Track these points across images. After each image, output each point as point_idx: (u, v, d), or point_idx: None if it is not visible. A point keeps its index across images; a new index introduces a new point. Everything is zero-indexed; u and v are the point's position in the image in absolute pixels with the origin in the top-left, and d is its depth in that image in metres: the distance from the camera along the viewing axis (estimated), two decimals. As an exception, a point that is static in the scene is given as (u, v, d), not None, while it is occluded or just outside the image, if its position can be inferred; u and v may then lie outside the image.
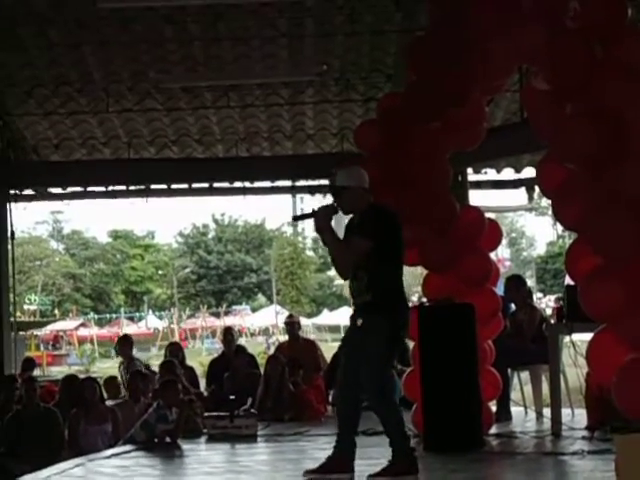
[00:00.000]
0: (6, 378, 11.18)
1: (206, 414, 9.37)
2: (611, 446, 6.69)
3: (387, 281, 6.22)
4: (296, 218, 6.71)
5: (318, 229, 6.26)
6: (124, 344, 12.34)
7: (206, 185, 13.97)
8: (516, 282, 10.06)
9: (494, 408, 8.88)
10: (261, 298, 65.94)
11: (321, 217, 6.24)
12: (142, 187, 13.88)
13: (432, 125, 8.06)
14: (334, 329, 41.24)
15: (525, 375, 10.06)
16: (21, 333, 26.39)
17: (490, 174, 13.64)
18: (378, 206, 6.40)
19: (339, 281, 54.63)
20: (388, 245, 6.22)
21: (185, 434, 8.73)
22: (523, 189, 13.94)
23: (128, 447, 8.34)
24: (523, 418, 9.52)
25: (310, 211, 6.34)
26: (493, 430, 8.32)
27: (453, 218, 8.13)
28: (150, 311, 57.81)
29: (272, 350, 16.07)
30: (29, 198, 14.03)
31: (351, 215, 6.45)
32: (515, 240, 68.79)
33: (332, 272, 65.48)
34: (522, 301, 9.74)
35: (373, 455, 7.09)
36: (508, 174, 13.61)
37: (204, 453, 8.08)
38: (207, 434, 8.94)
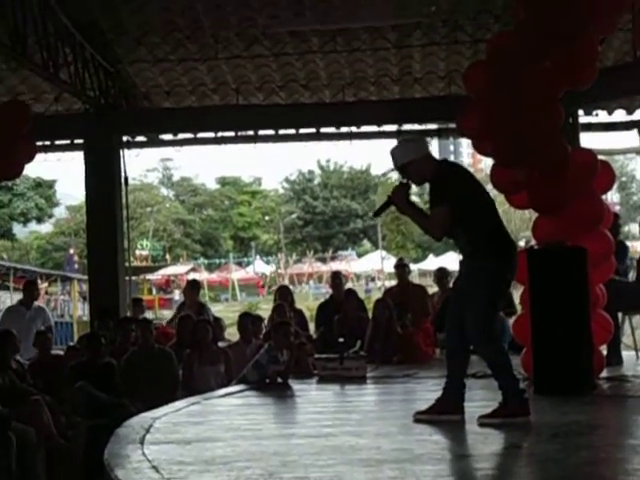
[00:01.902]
0: (122, 320, 11.50)
1: (316, 356, 9.50)
2: None
3: (484, 230, 6.19)
4: (377, 213, 6.69)
5: (401, 212, 6.30)
6: (192, 289, 12.56)
7: (313, 130, 14.00)
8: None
9: (605, 352, 8.78)
10: (366, 244, 66.09)
11: (398, 200, 6.25)
12: (250, 133, 14.01)
13: (543, 65, 7.91)
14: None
15: (637, 319, 9.91)
16: (134, 278, 27.08)
17: (601, 116, 13.36)
18: (442, 167, 6.34)
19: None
20: (468, 199, 6.18)
21: (296, 375, 8.88)
22: (635, 131, 13.63)
23: (241, 387, 8.52)
24: (634, 362, 9.42)
25: (386, 200, 6.35)
26: (604, 374, 8.24)
27: (565, 160, 8.00)
28: (258, 256, 58.50)
29: (373, 295, 16.13)
30: (141, 145, 14.30)
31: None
32: (625, 184, 67.19)
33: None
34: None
35: (484, 397, 7.12)
36: (620, 116, 13.32)
37: (314, 393, 8.21)
38: (317, 375, 9.07)
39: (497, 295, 6.28)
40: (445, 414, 6.18)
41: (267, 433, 5.97)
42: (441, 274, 12.42)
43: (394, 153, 6.34)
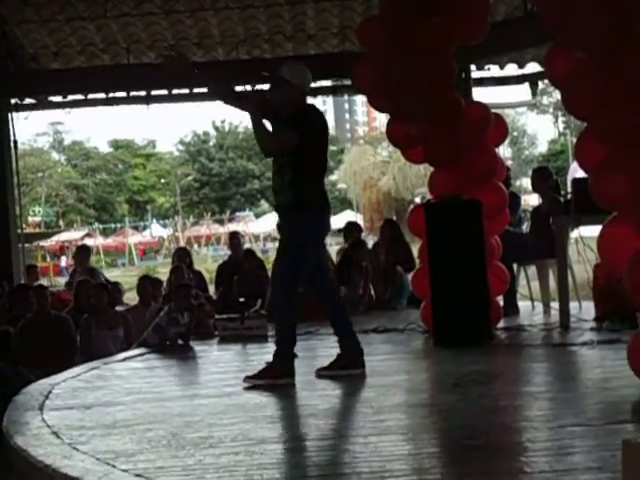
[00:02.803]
0: (18, 287, 11.24)
1: (217, 317, 9.45)
2: (620, 336, 6.81)
3: (310, 181, 6.17)
4: (226, 100, 6.53)
5: (251, 113, 6.13)
6: (82, 254, 12.48)
7: (206, 90, 13.80)
8: (543, 173, 9.94)
9: (502, 303, 8.94)
10: (264, 204, 66.01)
11: (254, 107, 6.16)
12: (142, 93, 13.75)
13: (435, 19, 7.94)
14: (335, 233, 41.31)
15: (532, 270, 10.10)
16: (27, 245, 26.57)
17: (493, 70, 13.49)
18: (311, 107, 6.37)
19: (342, 185, 54.65)
20: (315, 146, 6.19)
21: (197, 336, 8.82)
22: (526, 85, 13.80)
23: (141, 350, 8.43)
24: (530, 312, 9.60)
25: (240, 94, 6.31)
26: (501, 324, 8.40)
27: (459, 114, 8.06)
28: (154, 220, 57.95)
29: (271, 255, 16.10)
30: (30, 107, 13.89)
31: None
32: (516, 139, 68.45)
33: (334, 176, 65.45)
34: (547, 192, 9.39)
35: (385, 351, 7.20)
36: (511, 70, 13.46)
37: (216, 354, 8.17)
38: (218, 336, 9.03)
39: (305, 251, 6.18)
40: (346, 369, 6.21)
41: (169, 395, 5.91)
42: (350, 227, 12.47)
43: (288, 66, 6.30)
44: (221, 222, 53.75)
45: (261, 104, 6.22)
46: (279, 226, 6.46)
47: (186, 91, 13.73)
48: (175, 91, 13.70)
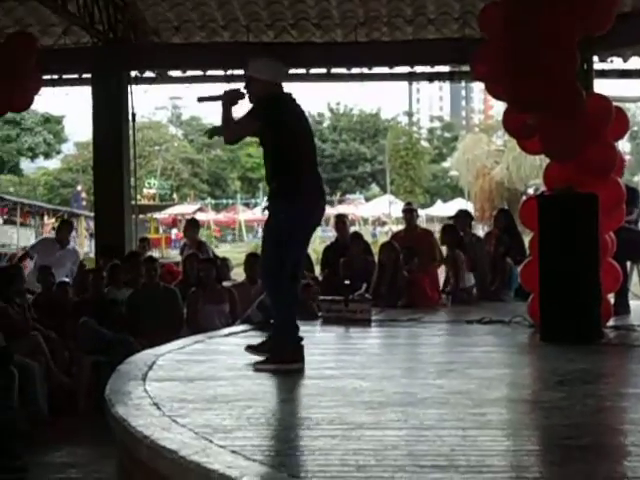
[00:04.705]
0: (131, 254, 11.42)
1: (321, 298, 9.46)
2: None
3: (289, 169, 6.08)
4: (201, 99, 6.51)
5: (223, 109, 6.17)
6: (191, 228, 12.58)
7: (323, 71, 13.82)
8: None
9: (613, 301, 8.72)
10: (375, 188, 65.96)
11: (227, 100, 6.17)
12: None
13: (560, 8, 7.74)
14: (446, 220, 41.04)
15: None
16: (141, 216, 27.07)
17: (616, 63, 13.16)
18: (278, 96, 6.24)
19: (454, 172, 54.22)
20: (283, 131, 6.07)
21: (300, 316, 8.82)
22: (649, 79, 13.45)
23: (245, 327, 8.49)
24: (642, 311, 9.35)
25: (219, 94, 6.25)
26: (611, 323, 8.19)
27: (579, 105, 7.86)
28: (265, 198, 58.41)
29: (380, 239, 16.08)
30: (149, 81, 14.14)
31: None
32: (636, 134, 66.72)
33: (447, 163, 64.99)
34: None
35: (489, 343, 7.09)
36: (634, 63, 13.12)
37: (319, 335, 8.17)
38: (322, 317, 9.04)
39: (287, 237, 6.06)
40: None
41: (269, 374, 5.92)
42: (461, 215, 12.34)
43: (253, 62, 6.27)
44: (331, 204, 53.85)
45: (232, 98, 6.20)
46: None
47: (302, 71, 13.75)
48: (292, 71, 13.72)
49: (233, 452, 3.75)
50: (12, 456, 7.32)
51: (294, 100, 6.31)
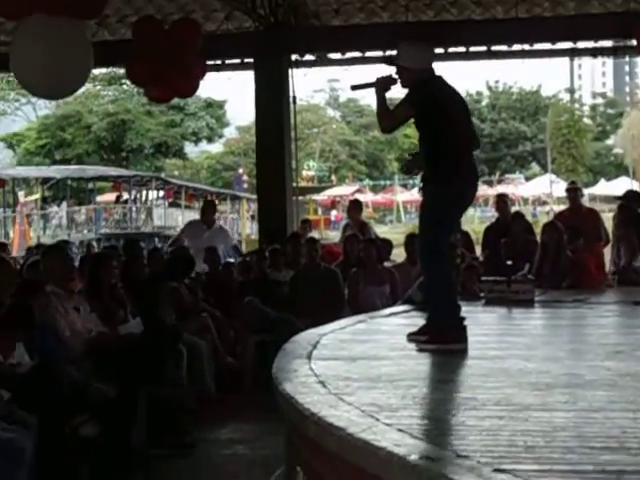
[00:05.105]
0: (293, 235, 11.63)
1: (483, 278, 9.38)
2: None
3: (446, 152, 5.98)
4: (355, 87, 6.41)
5: (376, 97, 6.14)
6: (354, 208, 12.62)
7: (484, 49, 13.65)
8: None
9: None
10: (535, 167, 64.83)
11: (380, 86, 6.11)
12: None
13: None
14: (610, 199, 40.02)
15: None
16: (301, 198, 27.40)
17: None
18: (433, 78, 6.14)
19: (618, 150, 52.72)
20: (437, 115, 5.96)
21: (462, 296, 8.79)
22: None
23: (406, 307, 8.50)
24: None
25: (371, 82, 6.17)
26: None
27: None
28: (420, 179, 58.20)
29: (541, 219, 15.79)
30: (309, 64, 14.28)
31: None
32: None
33: (610, 141, 63.25)
34: None
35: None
36: None
37: (482, 316, 8.10)
38: (484, 298, 8.96)
39: (445, 217, 6.10)
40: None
41: (432, 354, 5.91)
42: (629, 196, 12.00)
43: (401, 49, 6.19)
44: (490, 184, 53.25)
45: (385, 84, 6.15)
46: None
47: (462, 50, 13.62)
48: (451, 49, 13.63)
49: (400, 430, 3.77)
50: (181, 432, 7.59)
51: (446, 82, 6.26)
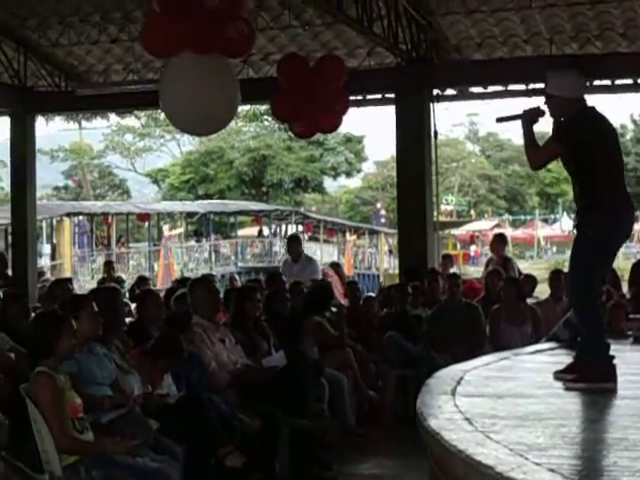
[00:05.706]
0: (431, 271, 11.60)
1: (630, 316, 9.12)
2: None
3: (597, 186, 5.78)
4: (500, 119, 6.18)
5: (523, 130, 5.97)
6: (499, 243, 12.49)
7: (630, 81, 13.38)
8: None
9: None
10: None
11: (526, 119, 5.92)
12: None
13: None
14: None
15: None
16: (440, 232, 27.33)
17: None
18: (584, 111, 5.90)
19: None
20: (589, 149, 5.77)
21: (610, 335, 8.55)
22: None
23: (551, 344, 8.32)
24: None
25: (517, 114, 5.97)
26: None
27: None
28: (564, 213, 57.20)
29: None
30: (450, 98, 14.26)
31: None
32: None
33: None
34: None
35: None
36: None
37: (630, 354, 7.84)
38: (632, 336, 8.70)
39: (600, 255, 5.90)
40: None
41: (580, 392, 5.78)
42: None
43: (551, 77, 5.99)
44: (635, 219, 51.93)
45: (532, 116, 5.98)
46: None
47: (607, 82, 13.37)
48: (596, 82, 13.39)
49: (550, 470, 3.69)
50: (323, 466, 7.60)
51: (599, 114, 6.11)
